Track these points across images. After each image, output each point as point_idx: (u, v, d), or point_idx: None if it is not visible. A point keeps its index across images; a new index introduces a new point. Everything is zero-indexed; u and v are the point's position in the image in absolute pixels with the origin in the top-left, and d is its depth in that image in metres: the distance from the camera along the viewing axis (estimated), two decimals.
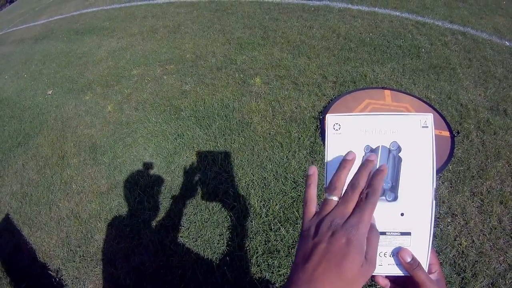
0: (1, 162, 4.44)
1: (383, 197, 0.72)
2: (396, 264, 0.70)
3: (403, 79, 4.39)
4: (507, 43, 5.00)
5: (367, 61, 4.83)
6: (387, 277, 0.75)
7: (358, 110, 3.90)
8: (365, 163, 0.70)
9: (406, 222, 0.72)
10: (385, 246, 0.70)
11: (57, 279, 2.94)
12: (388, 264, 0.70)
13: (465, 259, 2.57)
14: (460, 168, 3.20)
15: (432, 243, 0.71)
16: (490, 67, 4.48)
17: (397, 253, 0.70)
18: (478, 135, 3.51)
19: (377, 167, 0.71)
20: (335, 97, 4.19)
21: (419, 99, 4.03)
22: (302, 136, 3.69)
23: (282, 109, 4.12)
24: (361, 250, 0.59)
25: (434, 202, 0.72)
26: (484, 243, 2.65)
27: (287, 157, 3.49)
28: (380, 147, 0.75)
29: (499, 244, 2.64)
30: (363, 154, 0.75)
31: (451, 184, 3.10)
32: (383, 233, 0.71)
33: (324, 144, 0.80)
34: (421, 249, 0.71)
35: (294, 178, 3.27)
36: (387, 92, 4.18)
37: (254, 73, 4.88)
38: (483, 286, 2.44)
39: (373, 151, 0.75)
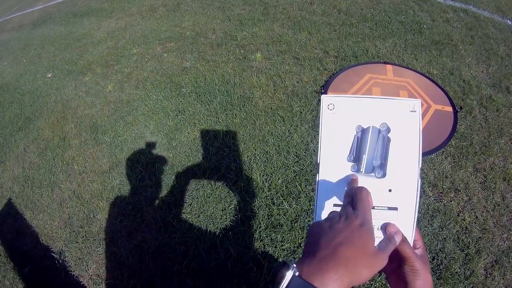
0: (2, 147, 4.42)
1: (373, 174, 0.81)
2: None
3: (405, 54, 4.33)
4: (509, 22, 4.90)
5: (368, 36, 4.77)
6: None
7: (360, 84, 3.86)
8: (351, 182, 0.80)
9: (394, 198, 0.79)
10: (373, 220, 0.72)
11: (60, 260, 2.94)
12: (376, 237, 0.72)
13: (468, 235, 2.56)
14: (463, 144, 3.17)
15: (417, 220, 0.77)
16: (492, 44, 4.40)
17: (384, 228, 0.75)
18: (481, 112, 3.47)
19: (368, 145, 0.82)
20: (336, 72, 4.14)
21: (421, 74, 3.99)
22: (303, 110, 3.65)
23: (284, 83, 4.06)
24: (372, 233, 0.66)
25: (419, 181, 0.79)
26: (487, 219, 2.64)
27: (289, 131, 3.45)
28: (371, 127, 0.83)
29: (503, 221, 2.63)
30: (355, 133, 0.83)
31: (454, 159, 3.07)
32: (372, 208, 0.75)
33: (319, 123, 0.86)
34: (406, 224, 0.77)
35: (296, 152, 3.23)
36: (389, 67, 4.13)
37: (255, 49, 4.82)
38: (487, 263, 2.43)
39: (364, 130, 0.83)
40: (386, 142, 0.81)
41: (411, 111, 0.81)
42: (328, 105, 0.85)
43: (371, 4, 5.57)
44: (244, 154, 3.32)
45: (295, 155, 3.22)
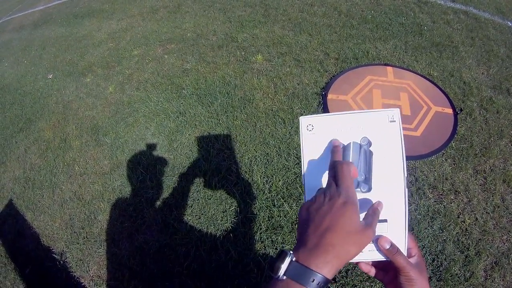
0: (3, 148, 4.42)
1: (358, 189, 0.80)
2: (377, 250, 0.76)
3: (405, 56, 4.35)
4: (510, 24, 4.91)
5: (369, 38, 4.77)
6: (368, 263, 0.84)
7: (360, 86, 3.88)
8: (333, 150, 0.81)
9: (382, 210, 0.77)
10: None
11: (61, 262, 2.94)
12: (369, 251, 0.76)
13: (468, 237, 2.57)
14: (463, 146, 3.18)
15: (409, 228, 0.77)
16: (492, 46, 4.42)
17: (376, 240, 0.76)
18: (481, 113, 3.48)
19: (350, 160, 0.80)
20: (337, 74, 4.15)
21: (422, 76, 4.01)
22: (304, 112, 3.66)
23: (284, 85, 4.07)
24: (356, 208, 0.67)
25: (406, 190, 0.79)
26: (487, 221, 2.65)
27: (289, 133, 3.46)
28: (352, 143, 0.83)
29: (502, 223, 2.64)
30: None
31: (454, 161, 3.08)
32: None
33: (300, 145, 0.88)
34: (398, 234, 0.77)
35: (297, 154, 3.24)
36: (389, 68, 4.14)
37: (256, 51, 4.83)
38: (487, 265, 2.44)
39: (345, 147, 0.83)
40: (369, 156, 0.82)
41: (390, 121, 0.82)
42: (307, 126, 0.86)
43: (371, 6, 5.58)
44: (245, 156, 3.32)
45: (295, 157, 3.23)
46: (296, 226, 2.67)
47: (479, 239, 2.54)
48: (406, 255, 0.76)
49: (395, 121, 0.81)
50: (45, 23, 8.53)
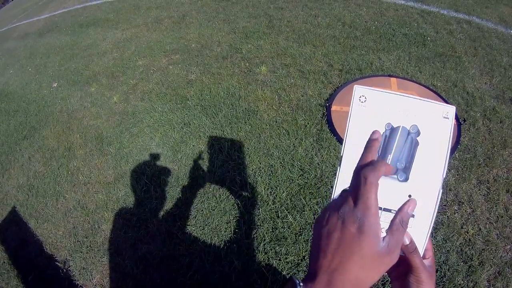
0: (7, 156, 4.44)
1: (395, 176, 0.73)
2: None
3: (409, 67, 4.34)
4: None
5: (372, 49, 4.78)
6: None
7: None
8: (369, 143, 0.70)
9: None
10: (387, 223, 0.69)
11: (64, 270, 2.94)
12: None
13: (472, 247, 2.56)
14: (467, 156, 3.17)
15: (432, 230, 0.72)
16: (495, 56, 4.41)
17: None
18: (484, 123, 3.47)
19: (395, 145, 0.73)
20: (341, 85, 4.16)
21: (426, 86, 4.00)
22: (308, 123, 3.66)
23: (288, 97, 4.09)
24: (374, 236, 0.58)
25: (441, 190, 0.73)
26: (490, 231, 2.63)
27: (293, 144, 3.47)
28: (401, 127, 0.75)
29: (506, 233, 2.63)
30: (383, 131, 0.76)
31: (457, 171, 3.07)
32: (389, 210, 0.71)
33: (348, 115, 0.77)
34: (420, 233, 0.72)
35: (301, 166, 3.24)
36: (393, 79, 4.14)
37: (260, 62, 4.85)
38: (490, 275, 2.42)
39: (394, 130, 0.76)
40: (414, 145, 0.75)
41: (444, 117, 0.76)
42: (360, 97, 0.78)
43: (375, 17, 5.60)
44: (249, 167, 3.33)
45: (299, 169, 3.23)
46: (300, 237, 2.69)
47: (482, 249, 2.53)
48: (422, 255, 0.72)
49: (448, 118, 0.76)
50: (50, 32, 8.59)
